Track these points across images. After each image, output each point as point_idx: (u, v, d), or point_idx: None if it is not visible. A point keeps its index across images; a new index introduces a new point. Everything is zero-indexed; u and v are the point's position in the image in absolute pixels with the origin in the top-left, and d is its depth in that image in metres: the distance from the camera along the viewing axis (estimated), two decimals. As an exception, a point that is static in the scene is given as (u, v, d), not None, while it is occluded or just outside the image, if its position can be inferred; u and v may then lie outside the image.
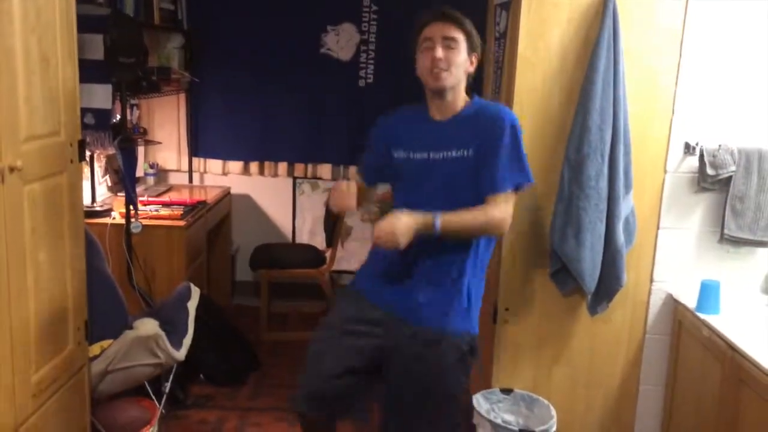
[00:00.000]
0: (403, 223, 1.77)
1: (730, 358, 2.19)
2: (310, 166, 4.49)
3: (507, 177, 1.88)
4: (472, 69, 1.96)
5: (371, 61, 4.32)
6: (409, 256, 1.92)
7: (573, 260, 2.40)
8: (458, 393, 1.98)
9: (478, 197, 1.89)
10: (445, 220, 1.80)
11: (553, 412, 2.43)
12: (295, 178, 4.53)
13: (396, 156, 2.01)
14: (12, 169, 1.77)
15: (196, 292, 2.84)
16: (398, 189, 2.08)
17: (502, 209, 1.86)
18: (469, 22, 1.94)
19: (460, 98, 1.97)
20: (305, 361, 2.03)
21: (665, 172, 2.54)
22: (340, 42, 4.32)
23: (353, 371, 1.97)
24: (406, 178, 2.01)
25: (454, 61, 1.89)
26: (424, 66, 1.91)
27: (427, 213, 1.80)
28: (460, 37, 1.90)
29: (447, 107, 1.96)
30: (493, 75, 2.96)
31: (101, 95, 2.96)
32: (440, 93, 1.93)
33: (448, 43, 1.88)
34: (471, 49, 1.93)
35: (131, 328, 2.47)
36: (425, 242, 1.86)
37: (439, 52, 1.88)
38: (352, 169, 1.99)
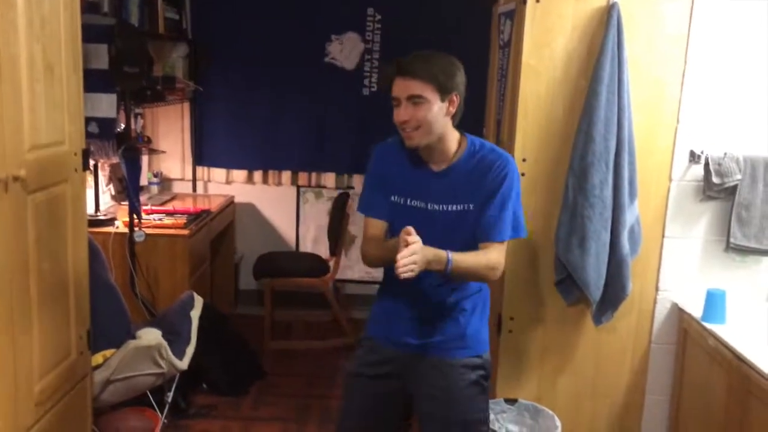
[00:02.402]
0: (422, 251, 1.68)
1: (736, 368, 2.17)
2: (314, 175, 4.50)
3: (505, 228, 1.84)
4: (453, 110, 1.81)
5: (375, 70, 4.33)
6: (421, 293, 1.91)
7: (578, 269, 2.38)
8: (483, 419, 1.98)
9: (474, 245, 1.85)
10: (456, 259, 1.74)
11: (558, 423, 2.41)
12: (298, 187, 4.53)
13: (392, 199, 1.91)
14: (16, 179, 1.78)
15: (199, 301, 2.84)
16: (393, 231, 1.98)
17: (499, 256, 1.83)
18: (437, 65, 1.77)
19: (450, 144, 1.85)
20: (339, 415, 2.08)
21: (670, 180, 2.53)
22: (345, 51, 4.33)
23: (384, 416, 2.00)
24: (403, 222, 1.83)
25: (424, 119, 1.76)
26: (396, 124, 1.82)
27: (440, 249, 1.73)
28: (427, 90, 1.75)
29: (439, 156, 1.85)
30: (497, 83, 2.96)
31: (106, 104, 2.96)
32: (421, 149, 1.85)
33: (414, 101, 1.75)
34: (445, 93, 1.77)
35: (134, 337, 2.47)
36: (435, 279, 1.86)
37: (403, 115, 1.77)
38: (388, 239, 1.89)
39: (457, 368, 1.91)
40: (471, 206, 1.84)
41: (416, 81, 1.75)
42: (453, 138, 1.86)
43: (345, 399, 2.07)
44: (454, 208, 1.85)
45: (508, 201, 1.83)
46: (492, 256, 1.81)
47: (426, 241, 1.71)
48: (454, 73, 1.80)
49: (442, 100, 1.78)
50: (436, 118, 1.78)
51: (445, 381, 1.91)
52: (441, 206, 1.85)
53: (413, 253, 1.64)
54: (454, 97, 1.80)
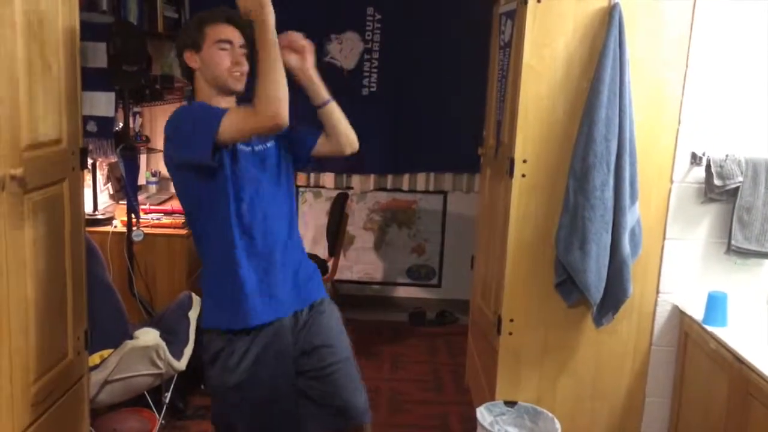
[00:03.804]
0: None
1: (737, 371, 2.16)
2: (312, 175, 4.48)
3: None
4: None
5: (375, 70, 4.31)
6: (274, 256, 1.94)
7: (578, 271, 2.37)
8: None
9: (290, 177, 2.05)
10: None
11: (558, 425, 2.40)
12: (297, 187, 4.52)
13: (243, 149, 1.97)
14: (13, 178, 1.76)
15: (197, 301, 2.83)
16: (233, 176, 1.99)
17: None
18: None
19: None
20: None
21: (671, 182, 2.52)
22: (344, 51, 4.31)
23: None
24: (245, 165, 1.95)
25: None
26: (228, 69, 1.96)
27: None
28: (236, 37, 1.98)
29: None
30: (497, 84, 2.95)
31: (104, 103, 2.95)
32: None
33: (244, 50, 1.98)
34: None
35: (132, 337, 2.45)
36: (283, 239, 1.96)
37: (242, 62, 1.98)
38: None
39: (327, 302, 2.06)
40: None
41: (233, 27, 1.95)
42: None
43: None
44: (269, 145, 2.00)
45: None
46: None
47: (256, 184, 1.91)
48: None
49: None
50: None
51: (323, 315, 2.03)
52: (261, 146, 1.98)
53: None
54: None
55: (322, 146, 2.08)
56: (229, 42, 1.93)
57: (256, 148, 1.95)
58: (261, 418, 1.94)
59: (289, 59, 1.97)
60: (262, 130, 1.81)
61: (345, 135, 2.07)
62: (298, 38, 2.01)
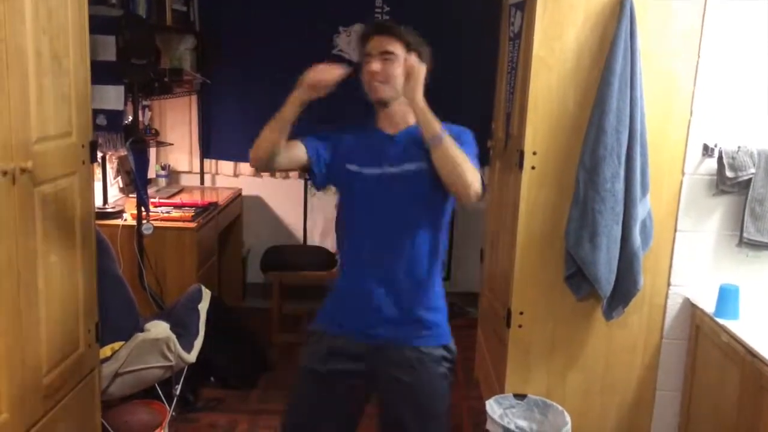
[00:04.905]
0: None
1: (749, 364, 2.14)
2: (321, 168, 4.47)
3: (472, 158, 1.80)
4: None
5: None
6: (386, 274, 1.88)
7: (588, 264, 2.36)
8: (443, 411, 1.95)
9: (430, 219, 1.87)
10: (447, 137, 1.73)
11: (568, 418, 2.39)
12: (306, 180, 4.52)
13: (348, 168, 1.92)
14: (23, 171, 1.77)
15: (207, 294, 2.84)
16: (346, 205, 2.03)
17: (476, 174, 1.76)
18: (408, 32, 1.88)
19: (409, 111, 1.84)
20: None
21: (683, 174, 2.50)
22: (352, 43, 4.29)
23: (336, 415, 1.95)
24: (360, 189, 1.92)
25: (393, 73, 1.84)
26: (364, 80, 1.88)
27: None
28: (397, 47, 1.84)
29: (396, 119, 1.90)
30: (507, 75, 2.93)
31: (113, 96, 2.96)
32: (383, 103, 1.89)
33: (386, 57, 1.84)
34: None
35: (142, 330, 2.46)
36: (400, 257, 1.85)
37: (375, 66, 1.84)
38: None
39: (426, 357, 1.88)
40: (425, 165, 1.81)
41: (389, 37, 1.85)
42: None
43: (296, 394, 2.02)
44: (410, 167, 1.85)
45: (466, 146, 1.82)
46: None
47: (383, 207, 1.82)
48: (422, 45, 1.90)
49: None
50: (401, 75, 1.83)
51: (409, 372, 1.87)
52: (397, 167, 1.86)
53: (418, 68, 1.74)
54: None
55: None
56: None
57: None
58: None
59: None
60: None
61: (462, 173, 1.74)
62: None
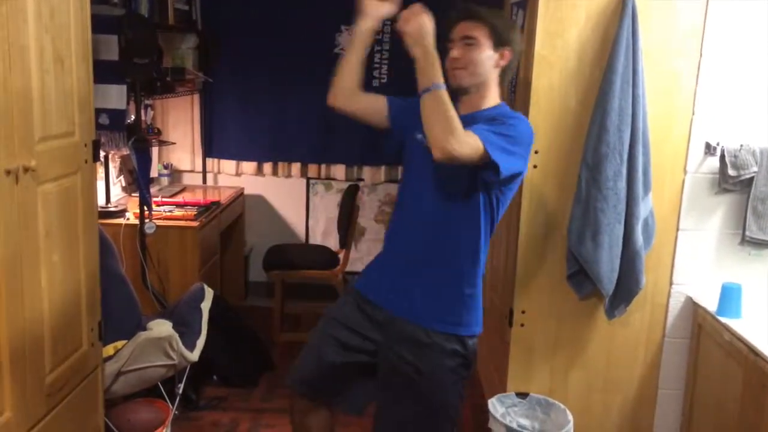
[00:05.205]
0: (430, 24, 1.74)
1: (752, 363, 2.14)
2: (323, 167, 4.48)
3: (493, 141, 1.72)
4: (503, 63, 1.88)
5: (385, 62, 4.30)
6: (416, 248, 1.91)
7: (590, 262, 2.36)
8: (450, 407, 1.93)
9: (469, 197, 1.85)
10: (439, 91, 1.71)
11: (570, 417, 2.39)
12: (308, 179, 4.52)
13: (415, 136, 1.91)
14: (26, 170, 1.77)
15: (209, 292, 2.84)
16: (404, 175, 2.06)
17: (468, 138, 1.68)
18: (497, 15, 1.90)
19: (488, 98, 1.89)
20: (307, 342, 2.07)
21: (685, 172, 2.50)
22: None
23: (349, 366, 1.98)
24: (414, 163, 1.95)
25: (472, 59, 1.84)
26: (446, 67, 1.85)
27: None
28: (480, 33, 1.85)
29: (472, 104, 1.90)
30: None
31: (116, 96, 2.96)
32: (462, 91, 1.88)
33: (467, 42, 1.85)
34: (498, 43, 1.86)
35: (145, 329, 2.47)
36: (433, 235, 1.88)
37: (455, 52, 1.86)
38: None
39: (437, 345, 1.88)
40: None
41: (472, 22, 1.86)
42: (492, 94, 1.91)
43: (319, 332, 2.04)
44: None
45: (500, 127, 1.77)
46: (464, 131, 1.70)
47: (431, 182, 1.84)
48: (511, 29, 1.89)
49: (494, 50, 1.86)
50: (483, 62, 1.85)
51: (419, 354, 1.88)
52: None
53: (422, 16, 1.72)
54: (507, 52, 1.88)
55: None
56: None
57: None
58: None
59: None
60: None
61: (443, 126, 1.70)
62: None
